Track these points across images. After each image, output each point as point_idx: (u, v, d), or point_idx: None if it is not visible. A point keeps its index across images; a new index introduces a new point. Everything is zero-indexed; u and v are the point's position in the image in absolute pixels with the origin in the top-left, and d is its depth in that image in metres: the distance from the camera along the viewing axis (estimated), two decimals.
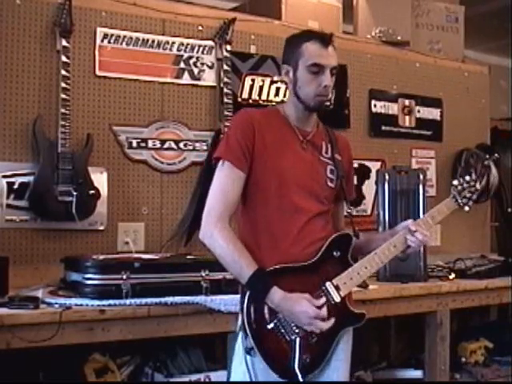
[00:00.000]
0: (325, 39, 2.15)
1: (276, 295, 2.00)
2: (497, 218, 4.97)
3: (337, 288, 2.09)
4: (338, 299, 2.09)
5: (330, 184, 2.21)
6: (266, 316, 2.03)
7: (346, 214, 2.36)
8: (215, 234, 2.05)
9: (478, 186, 2.32)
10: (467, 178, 2.32)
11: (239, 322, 2.10)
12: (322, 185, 2.19)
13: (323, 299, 2.06)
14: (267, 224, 2.12)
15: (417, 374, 3.70)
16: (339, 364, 2.16)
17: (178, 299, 2.60)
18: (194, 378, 2.83)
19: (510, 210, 4.90)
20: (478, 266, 3.72)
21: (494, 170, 4.47)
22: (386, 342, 4.11)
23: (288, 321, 2.03)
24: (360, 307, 2.18)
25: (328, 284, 2.09)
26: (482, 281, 3.60)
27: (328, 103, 2.22)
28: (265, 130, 2.14)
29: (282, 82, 3.72)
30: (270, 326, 2.03)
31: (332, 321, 2.04)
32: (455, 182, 2.31)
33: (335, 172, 2.23)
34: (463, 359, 3.91)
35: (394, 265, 3.37)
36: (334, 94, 3.91)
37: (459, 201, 2.29)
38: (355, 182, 3.98)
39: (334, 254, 2.14)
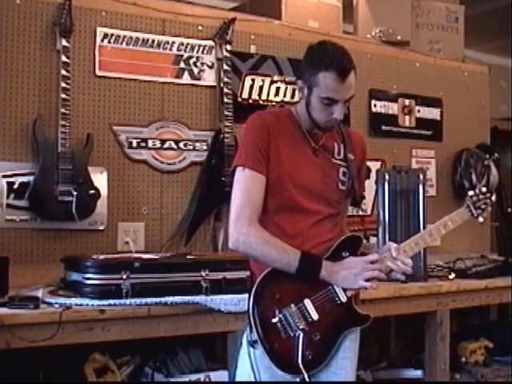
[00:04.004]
0: (343, 71, 2.08)
1: (324, 272, 2.07)
2: (497, 217, 4.96)
3: (343, 288, 2.11)
4: (344, 299, 2.10)
5: (341, 187, 2.23)
6: (272, 310, 2.04)
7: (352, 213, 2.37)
8: (251, 237, 2.07)
9: (493, 198, 2.34)
10: (483, 189, 2.34)
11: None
12: (332, 188, 2.21)
13: (376, 255, 2.12)
14: (277, 226, 2.14)
15: (417, 373, 3.70)
16: (347, 363, 2.17)
17: (177, 299, 2.60)
18: (193, 377, 2.83)
19: (510, 209, 4.90)
20: (478, 266, 3.72)
21: (494, 170, 4.47)
22: (386, 342, 4.10)
23: (293, 316, 2.05)
24: (360, 307, 2.18)
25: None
26: (482, 281, 3.59)
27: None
28: (278, 133, 2.16)
29: (281, 81, 3.72)
30: (275, 319, 2.04)
31: (375, 285, 2.12)
32: (471, 193, 2.32)
33: (347, 174, 2.24)
34: (463, 359, 3.91)
35: None
36: None
37: (473, 211, 2.32)
38: None
39: (343, 254, 2.15)
